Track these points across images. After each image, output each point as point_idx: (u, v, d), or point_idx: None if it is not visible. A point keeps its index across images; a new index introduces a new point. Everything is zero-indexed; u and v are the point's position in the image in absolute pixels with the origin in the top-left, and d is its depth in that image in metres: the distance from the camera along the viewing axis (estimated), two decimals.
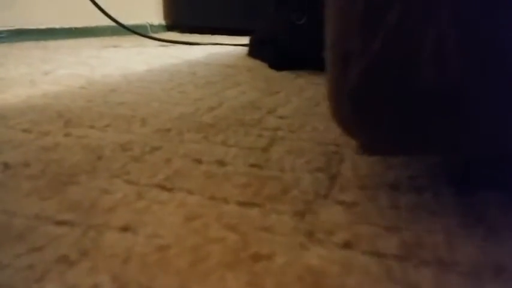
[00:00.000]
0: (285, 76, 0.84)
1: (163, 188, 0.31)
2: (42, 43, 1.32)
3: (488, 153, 0.26)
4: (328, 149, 0.40)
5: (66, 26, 1.51)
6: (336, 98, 0.25)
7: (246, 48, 1.31)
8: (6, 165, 0.34)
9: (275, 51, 0.96)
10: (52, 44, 1.32)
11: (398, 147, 0.25)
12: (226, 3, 1.92)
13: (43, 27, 1.43)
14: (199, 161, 0.36)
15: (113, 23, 1.33)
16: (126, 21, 1.38)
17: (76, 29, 1.54)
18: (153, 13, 1.99)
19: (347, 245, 0.24)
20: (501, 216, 0.28)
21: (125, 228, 0.25)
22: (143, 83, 0.72)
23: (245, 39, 1.64)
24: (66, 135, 0.42)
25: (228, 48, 1.34)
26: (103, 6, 1.29)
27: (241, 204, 0.29)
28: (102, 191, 0.30)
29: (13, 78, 0.73)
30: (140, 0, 1.90)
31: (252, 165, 0.36)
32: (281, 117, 0.51)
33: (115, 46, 1.29)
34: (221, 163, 0.36)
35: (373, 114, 0.22)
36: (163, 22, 2.04)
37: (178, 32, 2.02)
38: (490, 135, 0.22)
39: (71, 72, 0.79)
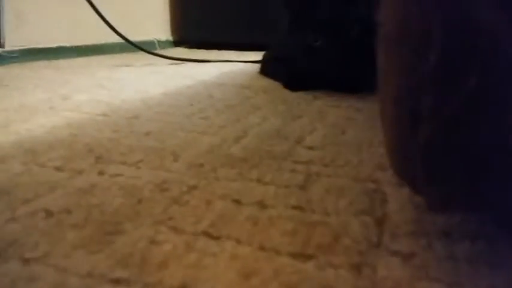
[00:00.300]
0: (301, 97, 0.84)
1: (210, 236, 0.30)
2: (53, 62, 1.33)
3: None
4: (367, 186, 0.39)
5: (76, 44, 1.52)
6: (402, 155, 0.24)
7: (256, 65, 1.31)
8: (48, 212, 0.33)
9: (290, 71, 0.96)
10: (63, 63, 1.32)
11: (472, 206, 0.24)
12: (233, 19, 1.93)
13: (53, 45, 1.43)
14: (239, 203, 0.36)
15: (121, 40, 1.33)
16: (134, 37, 1.38)
17: (86, 46, 1.55)
18: (160, 29, 1.99)
19: None
20: None
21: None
22: (163, 107, 0.71)
23: (253, 55, 1.64)
24: (100, 173, 0.42)
25: (238, 66, 1.34)
26: (110, 23, 1.29)
27: (293, 256, 0.28)
28: (150, 241, 0.30)
29: (32, 104, 0.72)
30: (147, 16, 1.91)
31: (294, 207, 0.35)
32: (311, 148, 0.51)
33: (127, 65, 1.29)
34: (262, 205, 0.35)
35: (446, 173, 0.22)
36: (170, 38, 2.05)
37: (186, 47, 2.03)
38: None
39: (90, 98, 0.79)
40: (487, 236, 0.30)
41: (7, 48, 1.28)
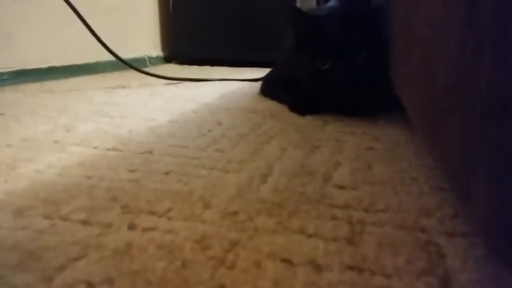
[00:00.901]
0: (312, 122, 0.82)
1: None
2: (45, 84, 1.28)
3: None
4: (418, 237, 0.37)
5: (67, 63, 1.47)
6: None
7: (253, 84, 1.29)
8: (89, 284, 0.30)
9: (296, 94, 0.95)
10: (56, 85, 1.28)
11: None
12: (225, 34, 1.92)
13: (44, 66, 1.39)
14: (290, 263, 0.33)
15: (112, 58, 1.29)
16: (124, 54, 1.35)
17: (77, 66, 1.50)
18: (150, 45, 1.96)
19: None
20: None
21: None
22: (175, 139, 0.69)
23: (247, 72, 1.63)
24: (131, 227, 0.39)
25: (236, 85, 1.32)
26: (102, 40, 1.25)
27: None
28: None
29: (35, 138, 0.69)
30: (137, 33, 1.88)
31: (351, 268, 0.33)
32: (342, 188, 0.49)
33: (123, 87, 1.25)
34: (316, 266, 0.33)
35: None
36: (161, 54, 2.01)
37: (176, 63, 2.00)
38: None
39: (94, 128, 0.75)
40: None
41: None
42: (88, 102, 1.01)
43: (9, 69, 1.27)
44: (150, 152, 0.61)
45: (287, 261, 0.34)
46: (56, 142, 0.66)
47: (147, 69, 1.44)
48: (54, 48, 1.42)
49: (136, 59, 1.72)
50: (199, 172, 0.53)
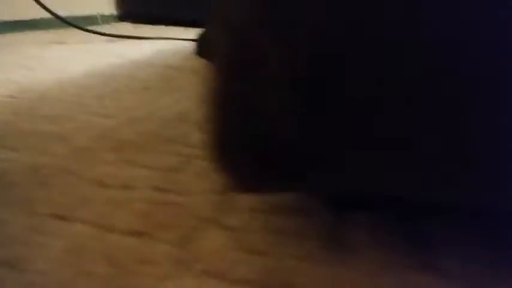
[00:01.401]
0: None
1: (61, 218, 0.33)
2: None
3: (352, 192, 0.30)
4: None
5: (9, 18, 1.46)
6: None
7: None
8: None
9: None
10: None
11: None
12: None
13: None
14: (105, 186, 0.38)
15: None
16: (76, 11, 1.35)
17: (20, 22, 1.50)
18: (103, 2, 1.94)
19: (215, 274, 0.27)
20: (366, 236, 0.31)
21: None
22: (76, 89, 0.72)
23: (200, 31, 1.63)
24: None
25: (179, 44, 1.34)
26: None
27: (127, 233, 0.31)
28: None
29: None
30: None
31: (157, 189, 0.38)
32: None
33: (60, 43, 1.27)
34: (126, 187, 0.38)
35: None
36: (114, 12, 2.00)
37: (130, 22, 1.99)
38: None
39: (5, 77, 0.78)
40: (306, 210, 0.34)
41: None
42: (17, 55, 1.03)
43: None
44: (42, 99, 0.65)
45: (103, 184, 0.39)
46: None
47: (97, 28, 1.44)
48: None
49: (88, 17, 1.71)
50: (78, 117, 0.58)
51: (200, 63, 1.04)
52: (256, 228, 0.32)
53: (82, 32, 1.37)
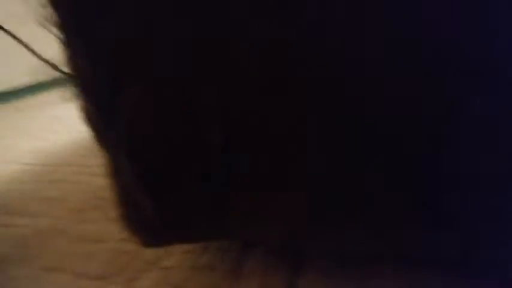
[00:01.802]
0: None
1: (52, 269, 0.47)
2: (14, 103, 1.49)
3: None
4: None
5: (28, 82, 1.68)
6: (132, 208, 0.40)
7: None
8: None
9: None
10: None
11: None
12: None
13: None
14: None
15: None
16: None
17: (41, 83, 1.71)
18: None
19: None
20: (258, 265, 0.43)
21: None
22: (86, 150, 0.87)
23: None
24: None
25: None
26: None
27: None
28: None
29: None
30: None
31: None
32: None
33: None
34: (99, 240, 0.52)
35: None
36: None
37: None
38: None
39: (30, 145, 0.95)
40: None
41: None
42: (39, 119, 1.22)
43: None
44: (59, 165, 0.81)
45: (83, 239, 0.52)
46: None
47: None
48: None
49: None
50: (80, 178, 0.72)
51: None
52: (186, 266, 0.45)
53: None
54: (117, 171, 0.35)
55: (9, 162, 0.85)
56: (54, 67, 1.43)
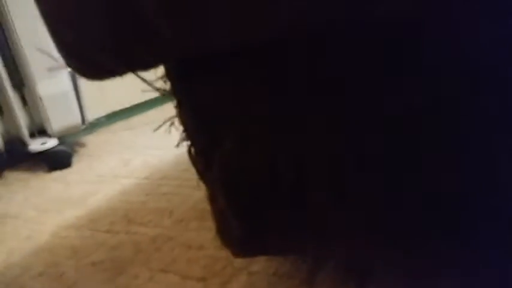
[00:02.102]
0: None
1: (164, 271, 0.59)
2: (129, 121, 1.72)
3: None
4: None
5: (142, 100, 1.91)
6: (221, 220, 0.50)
7: None
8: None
9: None
10: (136, 119, 1.71)
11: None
12: None
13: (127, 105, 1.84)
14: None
15: None
16: None
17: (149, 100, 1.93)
18: None
19: None
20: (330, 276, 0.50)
21: None
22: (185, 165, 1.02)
23: None
24: None
25: None
26: None
27: None
28: None
29: (103, 174, 1.08)
30: None
31: None
32: None
33: None
34: (201, 247, 0.63)
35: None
36: None
37: None
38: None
39: (141, 160, 1.13)
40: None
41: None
42: (144, 136, 1.41)
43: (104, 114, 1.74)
44: (164, 178, 0.95)
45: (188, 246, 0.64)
46: (115, 176, 1.05)
47: None
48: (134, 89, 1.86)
49: None
50: (181, 191, 0.86)
51: None
52: (269, 273, 0.54)
53: None
54: (213, 198, 0.46)
55: (125, 177, 1.02)
56: (156, 89, 1.63)
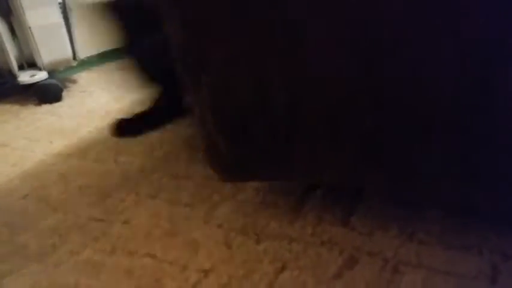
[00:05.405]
0: None
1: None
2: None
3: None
4: None
5: None
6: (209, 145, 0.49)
7: None
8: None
9: None
10: None
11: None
12: None
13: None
14: None
15: None
16: None
17: None
18: None
19: None
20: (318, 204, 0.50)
21: None
22: None
23: None
24: None
25: None
26: None
27: None
28: None
29: (94, 110, 1.06)
30: None
31: None
32: None
33: None
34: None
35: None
36: None
37: None
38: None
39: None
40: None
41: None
42: None
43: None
44: None
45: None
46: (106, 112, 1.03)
47: None
48: None
49: None
50: None
51: None
52: (255, 201, 0.54)
53: None
54: (203, 122, 0.45)
55: (118, 113, 1.00)
56: None
